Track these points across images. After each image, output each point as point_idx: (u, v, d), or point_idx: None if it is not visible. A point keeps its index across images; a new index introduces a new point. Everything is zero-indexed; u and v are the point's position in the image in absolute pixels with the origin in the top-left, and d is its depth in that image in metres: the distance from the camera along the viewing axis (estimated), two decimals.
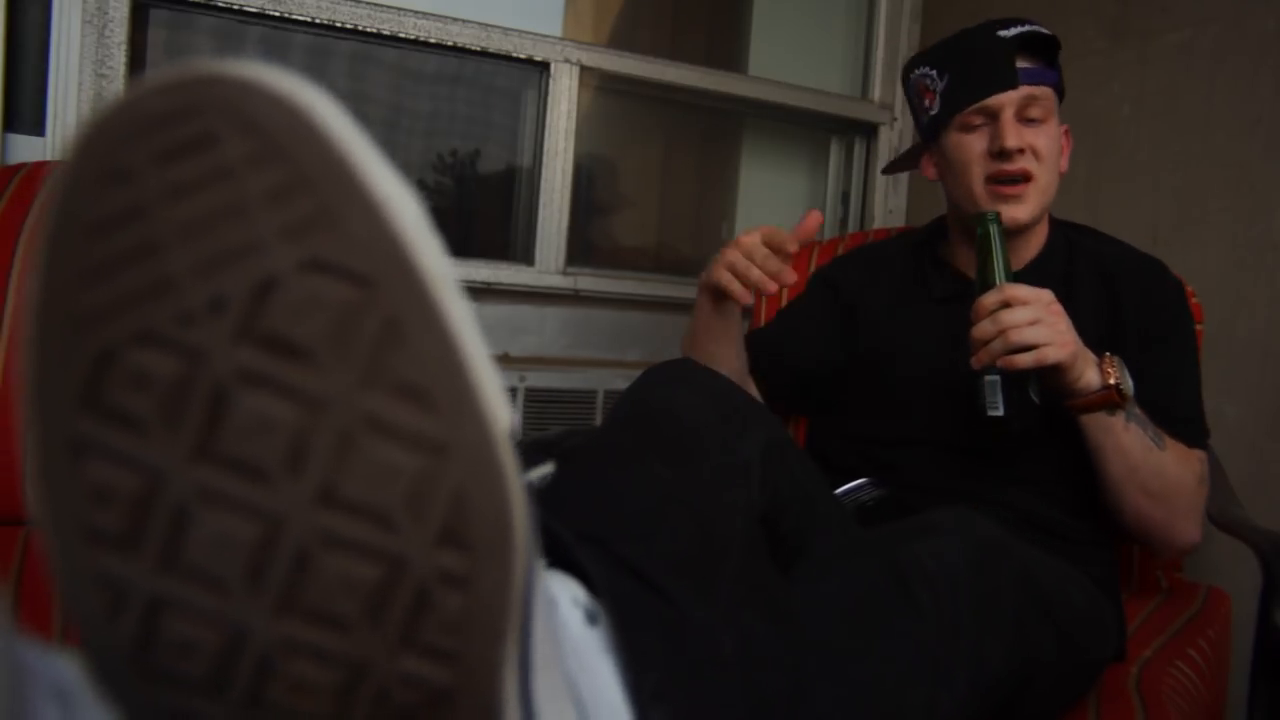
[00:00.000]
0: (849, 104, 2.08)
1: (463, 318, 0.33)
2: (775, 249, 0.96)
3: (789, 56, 2.10)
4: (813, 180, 2.20)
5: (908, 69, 1.13)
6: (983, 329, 0.90)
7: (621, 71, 1.81)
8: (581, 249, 1.84)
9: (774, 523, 0.77)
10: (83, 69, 1.38)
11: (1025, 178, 1.02)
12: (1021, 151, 1.01)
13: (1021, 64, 1.01)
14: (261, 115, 0.31)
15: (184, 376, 0.32)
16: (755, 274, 0.95)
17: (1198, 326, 1.21)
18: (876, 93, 2.10)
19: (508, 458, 0.34)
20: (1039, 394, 0.93)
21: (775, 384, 1.19)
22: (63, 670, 0.37)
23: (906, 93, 1.15)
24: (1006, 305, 0.90)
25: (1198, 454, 0.99)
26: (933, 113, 1.08)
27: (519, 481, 0.35)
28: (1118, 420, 0.92)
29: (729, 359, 1.08)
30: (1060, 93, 1.07)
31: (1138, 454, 0.93)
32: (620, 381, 1.73)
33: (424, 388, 0.32)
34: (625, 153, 2.07)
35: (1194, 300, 1.22)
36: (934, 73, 1.07)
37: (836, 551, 0.77)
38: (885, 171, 1.41)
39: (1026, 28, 1.02)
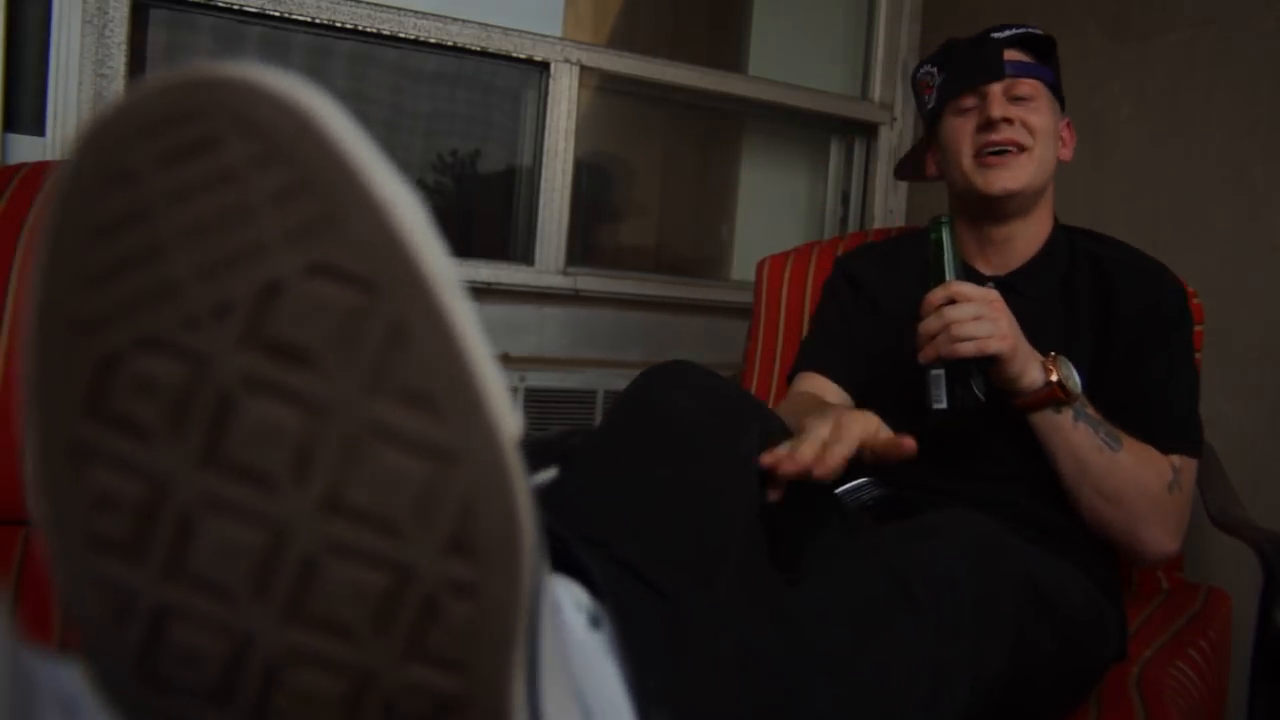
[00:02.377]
0: (849, 104, 2.08)
1: (468, 322, 0.33)
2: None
3: (789, 56, 2.10)
4: (813, 180, 2.20)
5: (914, 71, 1.18)
6: (928, 324, 0.93)
7: (621, 71, 1.81)
8: (581, 249, 1.84)
9: (773, 521, 0.77)
10: (83, 69, 1.37)
11: (1017, 147, 1.05)
12: (1010, 122, 1.04)
13: (1011, 57, 1.06)
14: (265, 118, 0.31)
15: (188, 382, 0.31)
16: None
17: (1197, 327, 1.21)
18: (876, 93, 2.10)
19: (515, 464, 0.34)
20: (984, 391, 0.95)
21: (855, 381, 1.16)
22: (66, 679, 0.37)
23: (914, 93, 1.19)
24: (952, 302, 0.92)
25: (1173, 459, 0.98)
26: (930, 105, 1.12)
27: (526, 488, 0.35)
28: (1065, 418, 0.94)
29: None
30: (1055, 90, 1.09)
31: (1086, 453, 0.95)
32: (620, 381, 1.73)
33: (430, 393, 0.32)
34: (625, 153, 2.07)
35: (1195, 300, 1.22)
36: (934, 70, 1.12)
37: (836, 552, 0.77)
38: (896, 174, 1.41)
39: (1018, 30, 1.07)
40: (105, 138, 0.31)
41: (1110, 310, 1.05)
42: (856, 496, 1.05)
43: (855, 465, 1.07)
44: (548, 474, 0.53)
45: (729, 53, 2.14)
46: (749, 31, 2.13)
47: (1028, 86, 1.05)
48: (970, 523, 0.77)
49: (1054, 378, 0.93)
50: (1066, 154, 1.12)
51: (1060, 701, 0.84)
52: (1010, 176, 1.04)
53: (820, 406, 1.02)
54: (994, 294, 0.94)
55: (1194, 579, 1.27)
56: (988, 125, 1.05)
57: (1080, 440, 0.94)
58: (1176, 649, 1.00)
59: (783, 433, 0.84)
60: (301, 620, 0.33)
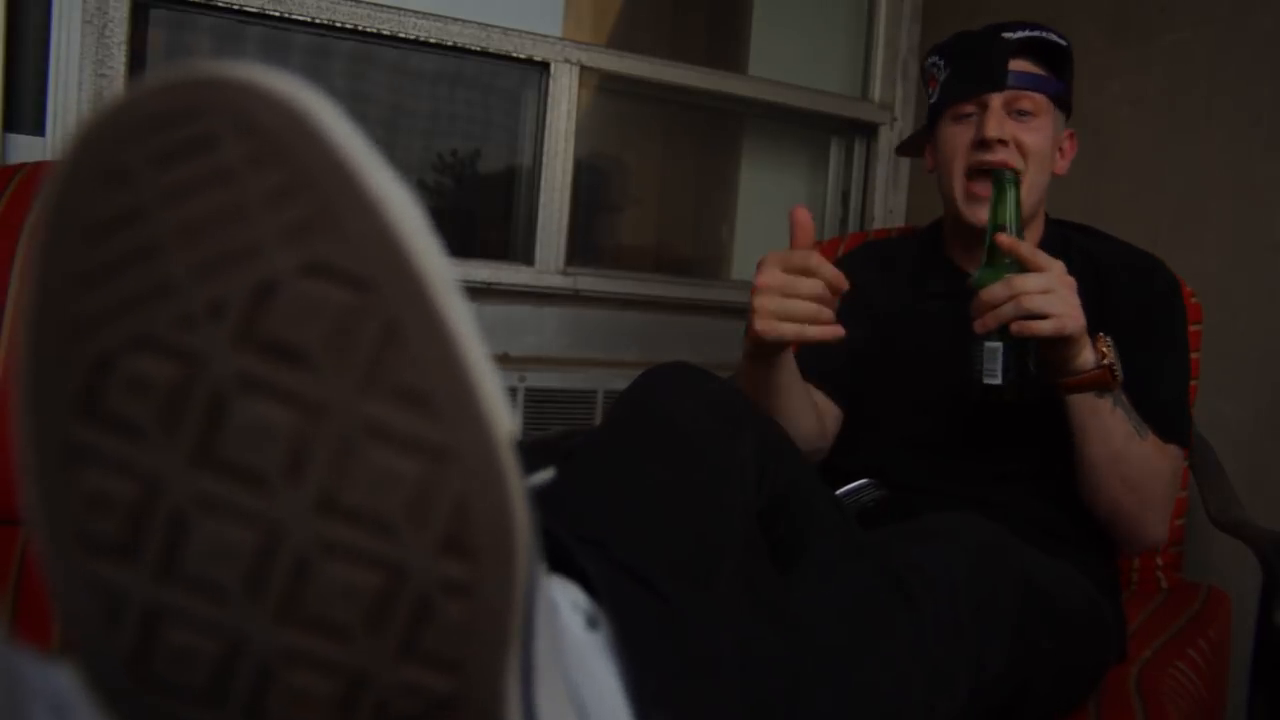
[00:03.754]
0: (849, 104, 2.08)
1: (463, 321, 0.33)
2: (800, 272, 0.86)
3: (789, 56, 2.09)
4: (813, 180, 2.20)
5: (924, 57, 1.14)
6: (994, 291, 0.87)
7: (621, 71, 1.81)
8: (581, 249, 1.84)
9: (771, 524, 0.77)
10: (83, 69, 1.37)
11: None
12: (1004, 143, 1.01)
13: (1018, 67, 1.01)
14: (261, 117, 0.31)
15: (183, 382, 0.31)
16: (800, 307, 0.85)
17: (1196, 326, 1.21)
18: (876, 93, 2.10)
19: (510, 463, 0.34)
20: (1037, 366, 0.91)
21: (837, 385, 1.15)
22: (59, 680, 0.37)
23: (922, 78, 1.17)
24: (1018, 266, 0.88)
25: (1172, 449, 0.98)
26: (932, 100, 1.09)
27: (521, 487, 0.34)
28: (1105, 403, 0.92)
29: (808, 410, 1.03)
30: (1062, 103, 1.06)
31: (1120, 440, 0.93)
32: (620, 381, 1.73)
33: (425, 392, 0.32)
34: (625, 153, 2.07)
35: (1194, 300, 1.22)
36: (941, 62, 1.08)
37: (835, 555, 0.77)
38: (898, 151, 1.41)
39: (1032, 32, 1.02)
40: (100, 137, 0.31)
41: (1104, 304, 1.04)
42: (857, 499, 1.05)
43: (855, 468, 1.08)
44: (545, 474, 0.53)
45: (729, 53, 2.14)
46: (749, 31, 2.13)
47: (1030, 101, 1.02)
48: (969, 524, 0.77)
49: (1106, 360, 0.90)
50: (1062, 167, 1.09)
51: (1060, 702, 0.84)
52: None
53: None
54: (1061, 265, 0.88)
55: (1194, 579, 1.27)
56: (982, 144, 1.01)
57: (1116, 426, 0.92)
58: (1176, 649, 1.00)
59: (779, 438, 0.85)
60: (295, 620, 0.32)
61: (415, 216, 0.32)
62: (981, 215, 1.01)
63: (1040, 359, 0.91)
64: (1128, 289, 1.04)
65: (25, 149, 1.35)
